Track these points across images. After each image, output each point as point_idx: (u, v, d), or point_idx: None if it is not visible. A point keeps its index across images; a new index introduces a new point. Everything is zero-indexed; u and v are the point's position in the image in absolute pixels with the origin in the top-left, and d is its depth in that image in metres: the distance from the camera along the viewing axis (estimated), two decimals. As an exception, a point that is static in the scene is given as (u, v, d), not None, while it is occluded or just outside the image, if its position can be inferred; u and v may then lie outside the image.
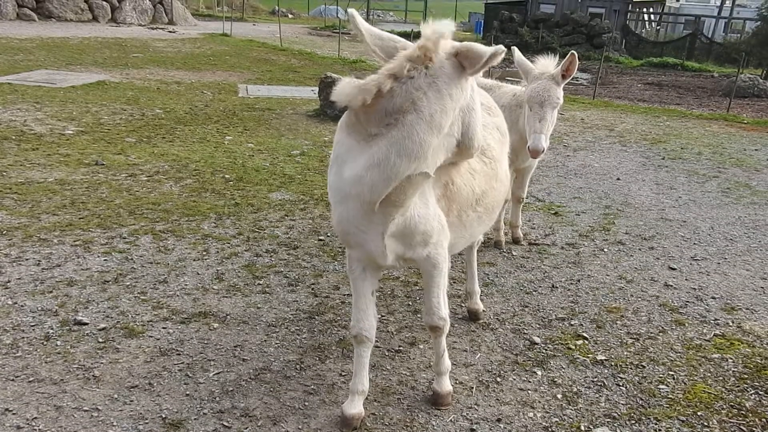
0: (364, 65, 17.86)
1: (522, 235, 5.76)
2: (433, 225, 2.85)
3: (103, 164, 6.94)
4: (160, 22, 26.70)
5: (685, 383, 3.66)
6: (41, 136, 7.86)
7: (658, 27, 34.01)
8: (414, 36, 26.42)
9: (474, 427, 3.19)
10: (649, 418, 3.33)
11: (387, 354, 3.80)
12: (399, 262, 2.96)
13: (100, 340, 3.70)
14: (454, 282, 4.82)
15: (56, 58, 14.69)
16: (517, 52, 4.96)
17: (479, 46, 2.49)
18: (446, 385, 3.36)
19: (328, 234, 5.52)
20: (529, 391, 3.51)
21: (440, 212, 2.92)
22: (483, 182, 3.22)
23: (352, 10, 2.60)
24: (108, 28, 23.04)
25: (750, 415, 3.40)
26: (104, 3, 25.07)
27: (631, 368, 3.79)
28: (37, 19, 22.94)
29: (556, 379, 3.63)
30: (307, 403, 3.29)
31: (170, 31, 23.95)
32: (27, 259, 4.59)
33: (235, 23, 26.13)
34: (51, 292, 4.18)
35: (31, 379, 3.30)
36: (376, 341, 3.83)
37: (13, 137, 7.69)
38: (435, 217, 2.85)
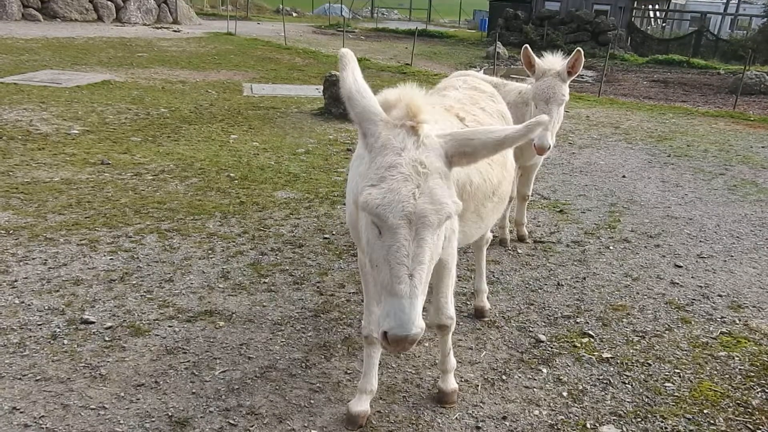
0: (368, 63, 17.85)
1: (527, 233, 5.75)
2: (445, 233, 2.79)
3: (109, 163, 6.97)
4: (165, 22, 26.73)
5: (691, 381, 3.65)
6: (47, 136, 7.89)
7: (664, 24, 33.89)
8: (418, 33, 25.98)
9: (479, 425, 3.19)
10: (655, 416, 3.32)
11: (392, 352, 3.80)
12: None
13: (107, 338, 3.71)
14: (459, 279, 4.82)
15: (61, 58, 14.74)
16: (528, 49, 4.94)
17: None
18: (452, 383, 3.35)
19: (333, 232, 5.52)
20: (535, 389, 3.51)
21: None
22: (498, 171, 3.24)
23: (343, 51, 2.40)
24: (113, 28, 23.10)
25: (756, 413, 3.39)
26: (109, 3, 25.10)
27: (637, 366, 3.78)
28: (42, 19, 22.99)
29: (561, 377, 3.63)
30: (312, 401, 3.30)
31: (175, 31, 23.98)
32: (33, 259, 4.61)
33: (239, 22, 26.15)
34: (57, 291, 4.20)
35: (38, 377, 3.32)
36: (382, 339, 3.83)
37: (19, 137, 7.72)
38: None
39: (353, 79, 2.28)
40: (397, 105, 2.28)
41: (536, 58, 4.76)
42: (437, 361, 3.72)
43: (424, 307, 3.10)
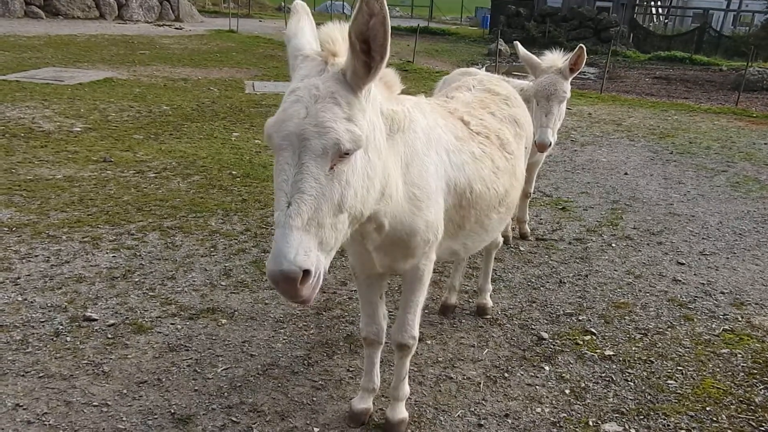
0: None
1: (529, 231, 5.74)
2: (429, 236, 2.61)
3: (111, 161, 6.97)
4: (167, 19, 26.71)
5: (693, 378, 3.65)
6: (49, 134, 7.89)
7: (666, 20, 33.81)
8: (420, 31, 25.72)
9: (482, 423, 3.19)
10: (657, 414, 3.32)
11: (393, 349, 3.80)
12: (389, 271, 2.81)
13: (109, 336, 3.72)
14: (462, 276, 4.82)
15: (64, 55, 14.74)
16: (520, 46, 4.96)
17: None
18: (400, 413, 3.10)
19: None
20: (537, 387, 3.51)
21: (437, 226, 2.63)
22: (506, 181, 3.08)
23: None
24: (115, 26, 23.10)
25: (759, 410, 3.38)
26: (111, 0, 25.10)
27: (639, 363, 3.78)
28: (45, 17, 22.98)
29: (564, 375, 3.63)
30: (315, 399, 3.30)
31: (177, 28, 23.98)
32: (36, 256, 4.62)
33: (241, 20, 26.13)
34: (60, 288, 4.20)
35: (41, 374, 3.33)
36: (384, 337, 3.83)
37: (22, 134, 7.73)
38: (432, 230, 2.60)
39: (296, 23, 2.22)
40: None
41: (522, 50, 4.80)
42: (440, 359, 3.73)
43: (389, 326, 3.07)
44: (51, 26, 20.78)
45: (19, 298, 4.04)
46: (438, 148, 2.62)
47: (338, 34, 2.07)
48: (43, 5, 23.39)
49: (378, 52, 1.93)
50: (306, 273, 1.85)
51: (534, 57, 4.83)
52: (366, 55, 1.94)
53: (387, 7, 1.87)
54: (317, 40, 2.17)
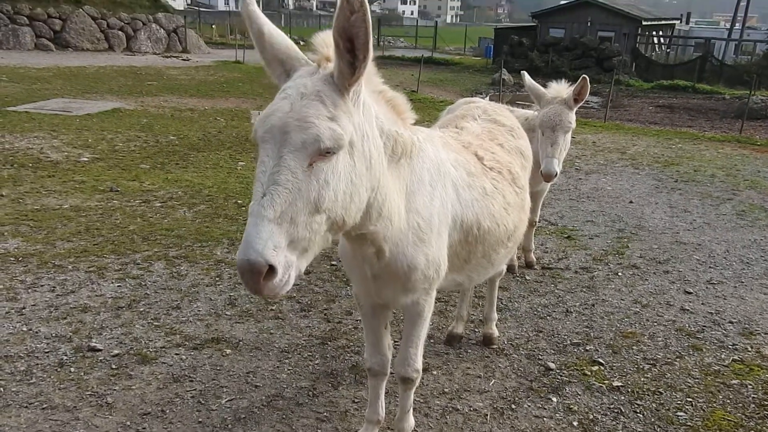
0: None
1: (535, 260, 5.72)
2: (429, 272, 2.59)
3: (118, 191, 7.01)
4: (174, 51, 27.11)
5: (703, 410, 3.59)
6: (57, 164, 7.97)
7: (668, 50, 34.10)
8: (424, 61, 25.79)
9: (489, 456, 3.14)
10: (668, 446, 3.26)
11: (400, 380, 3.76)
12: (391, 303, 2.79)
13: (114, 366, 3.70)
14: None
15: (72, 86, 14.94)
16: (527, 77, 5.02)
17: None
18: None
19: (341, 259, 5.51)
20: (545, 419, 3.46)
21: (439, 263, 2.62)
22: (516, 216, 3.09)
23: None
24: (123, 57, 23.45)
25: (772, 443, 3.32)
26: (120, 33, 25.54)
27: (648, 395, 3.73)
28: (54, 49, 23.37)
29: (571, 406, 3.58)
30: (319, 431, 3.26)
31: (184, 59, 24.31)
32: (42, 286, 4.62)
33: (247, 51, 26.45)
34: (65, 318, 4.20)
35: (44, 406, 3.30)
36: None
37: (30, 164, 7.80)
38: (433, 266, 2.58)
39: (265, 21, 2.26)
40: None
41: (529, 80, 4.86)
42: (446, 390, 3.69)
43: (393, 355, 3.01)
44: (61, 58, 21.12)
45: (24, 329, 4.03)
46: (446, 183, 2.61)
47: (332, 39, 2.08)
48: (53, 38, 23.79)
49: (361, 50, 1.94)
50: (271, 269, 1.83)
51: (540, 87, 4.88)
52: (350, 54, 1.96)
53: (368, 5, 1.88)
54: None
